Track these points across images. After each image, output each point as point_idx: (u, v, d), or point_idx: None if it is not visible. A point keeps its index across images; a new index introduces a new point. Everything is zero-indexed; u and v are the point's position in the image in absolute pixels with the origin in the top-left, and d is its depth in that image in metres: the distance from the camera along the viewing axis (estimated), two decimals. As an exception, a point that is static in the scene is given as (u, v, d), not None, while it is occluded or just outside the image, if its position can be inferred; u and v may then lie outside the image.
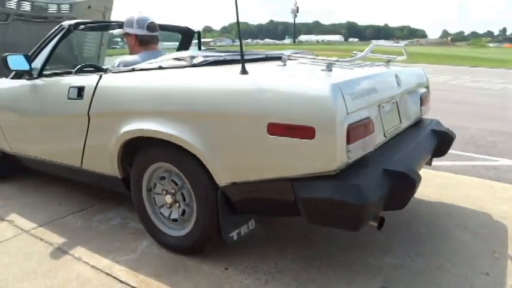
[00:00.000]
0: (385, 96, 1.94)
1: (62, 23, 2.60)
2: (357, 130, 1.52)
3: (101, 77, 2.16)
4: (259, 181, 1.65)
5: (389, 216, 2.51)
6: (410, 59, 2.71)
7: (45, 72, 2.63)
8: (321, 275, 1.88)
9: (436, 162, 3.81)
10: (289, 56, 2.04)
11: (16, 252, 2.17)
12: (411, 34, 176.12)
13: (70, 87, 2.29)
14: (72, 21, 2.62)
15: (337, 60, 1.81)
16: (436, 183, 3.15)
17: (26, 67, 2.54)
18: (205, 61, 2.00)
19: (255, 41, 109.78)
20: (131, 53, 2.54)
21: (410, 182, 1.60)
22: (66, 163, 2.51)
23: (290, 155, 1.54)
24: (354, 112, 1.53)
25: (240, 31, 1.71)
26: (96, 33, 4.48)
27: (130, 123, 1.96)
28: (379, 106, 1.91)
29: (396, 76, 2.05)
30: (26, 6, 3.83)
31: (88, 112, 2.17)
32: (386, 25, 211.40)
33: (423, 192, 2.94)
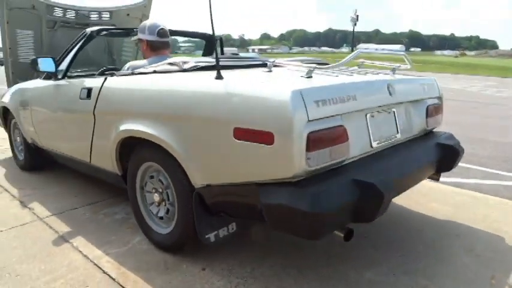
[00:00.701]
0: (372, 105, 1.88)
1: (86, 30, 2.82)
2: (320, 138, 1.50)
3: (105, 79, 2.32)
4: (231, 184, 1.68)
5: (387, 229, 2.43)
6: (468, 71, 2.60)
7: (69, 74, 2.86)
8: (294, 285, 1.86)
9: (463, 179, 3.60)
10: (273, 62, 2.05)
11: (26, 237, 2.37)
12: (480, 45, 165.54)
13: (82, 88, 2.47)
14: (95, 28, 2.83)
15: (315, 68, 1.79)
16: (455, 202, 2.96)
17: (52, 69, 2.78)
18: (195, 66, 2.08)
19: (312, 48, 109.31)
20: (144, 58, 2.69)
21: (377, 194, 1.54)
22: (80, 159, 2.70)
23: (254, 160, 1.55)
24: (318, 120, 1.50)
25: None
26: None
27: (124, 123, 2.08)
28: (366, 115, 1.86)
29: (389, 85, 1.98)
30: (71, 14, 4.18)
31: (93, 111, 2.33)
32: (452, 35, 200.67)
33: (436, 209, 2.79)
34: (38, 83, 3.15)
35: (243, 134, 1.55)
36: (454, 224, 2.57)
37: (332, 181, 1.55)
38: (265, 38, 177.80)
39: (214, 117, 1.66)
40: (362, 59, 2.55)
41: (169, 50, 2.72)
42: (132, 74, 2.24)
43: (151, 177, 2.12)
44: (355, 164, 1.76)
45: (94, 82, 2.41)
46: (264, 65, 2.27)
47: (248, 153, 1.55)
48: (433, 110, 2.41)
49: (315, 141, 1.48)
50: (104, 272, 1.97)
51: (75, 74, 2.96)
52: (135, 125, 2.00)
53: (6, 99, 3.63)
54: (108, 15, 4.43)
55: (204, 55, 3.94)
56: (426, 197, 3.03)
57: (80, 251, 2.18)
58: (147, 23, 2.65)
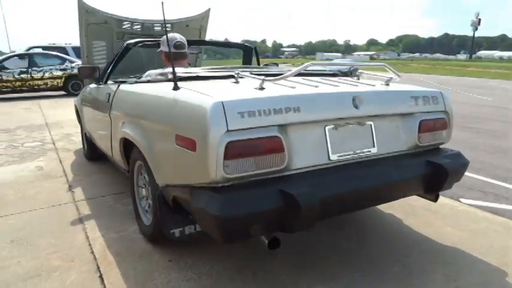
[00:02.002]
0: (330, 118, 1.86)
1: (126, 42, 3.24)
2: (241, 148, 1.57)
3: (118, 86, 2.67)
4: (181, 186, 1.84)
5: (372, 247, 2.33)
6: None
7: (111, 79, 3.31)
8: (241, 287, 1.94)
9: (497, 204, 3.17)
10: (238, 73, 2.13)
11: (56, 216, 2.83)
12: None
13: (106, 93, 2.87)
14: (133, 41, 3.24)
15: (264, 80, 1.85)
16: (470, 228, 2.68)
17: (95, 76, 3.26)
18: (179, 77, 2.27)
19: (423, 55, 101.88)
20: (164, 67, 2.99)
21: (296, 206, 1.55)
22: (108, 153, 3.12)
23: (186, 164, 1.70)
24: (241, 130, 1.57)
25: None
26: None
27: (122, 125, 2.39)
28: (325, 127, 1.86)
29: (355, 98, 1.92)
30: (137, 27, 4.74)
31: (109, 113, 2.70)
32: None
33: (449, 234, 2.56)
34: (90, 86, 3.69)
35: (180, 140, 1.70)
36: (455, 252, 2.34)
37: (253, 189, 1.61)
38: (372, 43, 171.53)
39: (164, 123, 1.86)
40: (361, 69, 2.49)
41: (186, 60, 2.99)
42: (135, 82, 2.54)
43: (141, 173, 2.39)
44: (299, 175, 1.77)
45: (113, 88, 2.78)
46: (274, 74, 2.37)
47: (182, 158, 1.71)
48: (430, 125, 2.24)
49: (234, 150, 1.56)
50: (92, 252, 2.29)
51: (113, 80, 3.40)
52: (126, 127, 2.29)
53: (76, 99, 4.34)
54: (169, 26, 4.91)
55: (243, 63, 4.14)
56: (443, 220, 2.79)
57: (86, 232, 2.55)
58: (167, 36, 2.94)
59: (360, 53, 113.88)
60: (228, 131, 1.55)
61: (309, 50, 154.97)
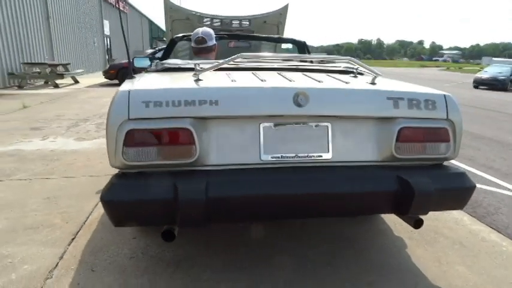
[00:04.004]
0: (262, 114, 1.71)
1: (173, 37, 3.52)
2: (142, 136, 1.60)
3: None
4: None
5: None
6: None
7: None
8: (190, 283, 1.97)
9: None
10: (201, 67, 2.05)
11: (91, 185, 3.29)
12: None
13: None
14: (180, 35, 3.50)
15: (199, 70, 1.81)
16: (491, 273, 2.10)
17: (147, 65, 3.62)
18: (163, 68, 2.37)
19: None
20: None
21: (179, 202, 1.51)
22: None
23: None
24: (145, 119, 1.59)
25: None
26: (270, 44, 5.21)
27: None
28: (259, 125, 1.73)
29: (297, 95, 1.71)
30: (217, 23, 5.03)
31: None
32: None
33: (460, 275, 2.09)
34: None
35: None
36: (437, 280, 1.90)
37: (146, 179, 1.62)
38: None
39: None
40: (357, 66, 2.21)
41: (211, 54, 3.08)
42: (146, 71, 2.74)
43: None
44: (215, 172, 1.69)
45: None
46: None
47: None
48: (416, 135, 1.83)
49: (134, 138, 1.60)
50: (86, 219, 2.61)
51: None
52: None
53: None
54: (247, 23, 5.06)
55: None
56: (461, 255, 2.26)
57: (97, 204, 2.90)
58: (194, 32, 3.09)
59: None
60: (129, 119, 1.59)
61: (474, 54, 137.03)
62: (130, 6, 31.05)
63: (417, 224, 1.87)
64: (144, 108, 1.60)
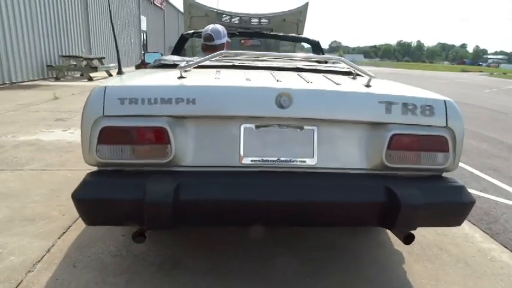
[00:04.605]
0: (239, 114, 1.62)
1: (182, 33, 3.51)
2: (115, 133, 1.56)
3: None
4: None
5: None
6: None
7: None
8: (165, 278, 1.95)
9: None
10: (185, 66, 1.99)
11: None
12: None
13: None
14: (190, 31, 3.48)
15: (183, 67, 1.76)
16: (483, 279, 1.94)
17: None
18: (159, 64, 2.34)
19: None
20: None
21: (145, 203, 1.47)
22: None
23: None
24: (120, 116, 1.56)
25: None
26: (291, 44, 5.11)
27: None
28: (240, 126, 1.66)
29: (280, 96, 1.61)
30: (236, 20, 4.98)
31: None
32: None
33: (436, 277, 1.94)
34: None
35: None
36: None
37: (117, 178, 1.59)
38: None
39: None
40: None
41: (217, 50, 3.03)
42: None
43: None
44: (188, 173, 1.64)
45: None
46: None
47: None
48: (410, 142, 1.70)
49: (107, 135, 1.57)
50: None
51: None
52: None
53: None
54: (266, 21, 4.98)
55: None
56: (465, 278, 2.10)
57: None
58: (204, 28, 3.06)
59: None
60: (104, 116, 1.57)
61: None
62: (168, 2, 31.67)
63: (407, 239, 1.75)
64: (119, 105, 1.57)
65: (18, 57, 10.85)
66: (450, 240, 2.54)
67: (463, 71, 53.71)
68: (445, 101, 1.73)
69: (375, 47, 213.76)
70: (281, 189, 1.61)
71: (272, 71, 2.17)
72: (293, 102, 1.62)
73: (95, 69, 12.71)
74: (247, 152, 1.67)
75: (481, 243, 2.56)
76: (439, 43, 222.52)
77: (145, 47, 25.38)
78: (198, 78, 1.82)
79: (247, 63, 2.34)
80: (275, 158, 1.68)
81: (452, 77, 33.71)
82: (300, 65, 2.37)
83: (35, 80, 11.61)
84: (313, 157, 1.69)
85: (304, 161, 1.69)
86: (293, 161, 1.69)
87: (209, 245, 2.28)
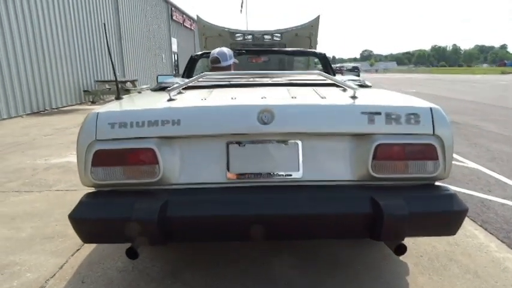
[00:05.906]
0: (224, 132, 1.69)
1: (192, 55, 3.66)
2: (107, 156, 1.67)
3: None
4: None
5: None
6: None
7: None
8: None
9: None
10: (171, 88, 2.05)
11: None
12: None
13: None
14: (199, 53, 3.63)
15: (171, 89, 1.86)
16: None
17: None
18: (158, 87, 2.46)
19: None
20: None
21: (134, 221, 1.56)
22: None
23: None
24: (111, 140, 1.66)
25: None
26: (304, 58, 5.15)
27: None
28: (227, 143, 1.73)
29: (262, 112, 1.67)
30: (249, 38, 5.11)
31: None
32: None
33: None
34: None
35: None
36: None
37: (109, 198, 1.69)
38: None
39: None
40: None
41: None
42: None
43: None
44: (177, 191, 1.71)
45: None
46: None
47: None
48: (396, 152, 1.69)
49: (101, 158, 1.68)
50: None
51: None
52: None
53: None
54: (279, 36, 5.08)
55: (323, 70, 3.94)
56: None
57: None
58: (212, 51, 3.18)
59: None
60: (96, 140, 1.68)
61: None
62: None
63: (398, 250, 1.72)
64: (110, 130, 1.68)
65: (58, 84, 11.60)
66: (462, 251, 2.45)
67: (503, 73, 51.21)
68: (431, 108, 1.72)
69: (408, 53, 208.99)
70: (268, 204, 1.65)
71: (265, 87, 2.23)
72: (275, 118, 1.67)
73: (128, 91, 13.29)
74: (233, 168, 1.73)
75: (495, 252, 2.45)
76: (477, 45, 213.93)
77: (177, 67, 26.21)
78: (186, 99, 1.91)
79: (243, 81, 2.41)
80: (261, 173, 1.73)
81: (490, 79, 32.26)
82: (295, 79, 2.42)
83: (73, 105, 12.31)
84: (298, 170, 1.73)
85: (290, 175, 1.73)
86: (279, 175, 1.73)
87: (209, 260, 2.33)
